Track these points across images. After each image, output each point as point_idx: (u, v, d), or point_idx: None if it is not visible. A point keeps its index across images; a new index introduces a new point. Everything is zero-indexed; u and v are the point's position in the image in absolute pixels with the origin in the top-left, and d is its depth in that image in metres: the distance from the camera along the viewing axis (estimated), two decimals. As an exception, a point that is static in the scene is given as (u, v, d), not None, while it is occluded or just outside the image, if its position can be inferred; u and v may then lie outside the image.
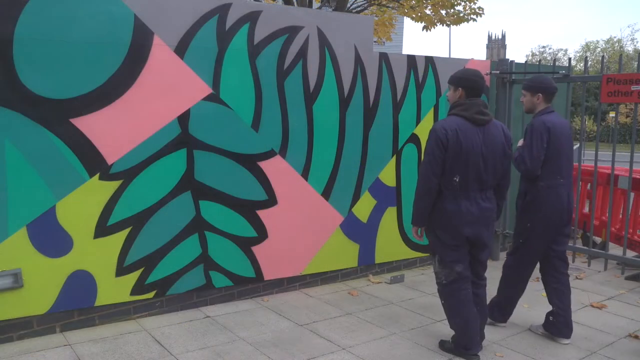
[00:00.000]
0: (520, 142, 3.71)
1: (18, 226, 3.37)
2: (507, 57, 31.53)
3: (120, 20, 3.57)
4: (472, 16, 10.65)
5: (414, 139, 5.14)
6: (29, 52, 3.31)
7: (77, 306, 3.65)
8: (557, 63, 5.76)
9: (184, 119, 3.87)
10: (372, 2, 10.73)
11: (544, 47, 72.15)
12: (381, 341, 3.63)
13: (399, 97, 4.98)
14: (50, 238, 3.49)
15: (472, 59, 5.54)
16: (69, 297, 3.60)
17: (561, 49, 70.99)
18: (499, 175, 3.35)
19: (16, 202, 3.35)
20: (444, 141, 3.15)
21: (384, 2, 10.70)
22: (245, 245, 4.26)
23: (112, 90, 3.59)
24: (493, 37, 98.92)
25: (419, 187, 3.29)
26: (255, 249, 4.31)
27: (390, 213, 5.08)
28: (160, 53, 3.74)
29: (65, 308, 3.61)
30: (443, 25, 10.96)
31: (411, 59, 5.06)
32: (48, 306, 3.54)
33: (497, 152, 3.28)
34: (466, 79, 3.28)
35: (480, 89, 3.27)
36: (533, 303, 4.40)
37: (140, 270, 3.83)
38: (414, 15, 10.58)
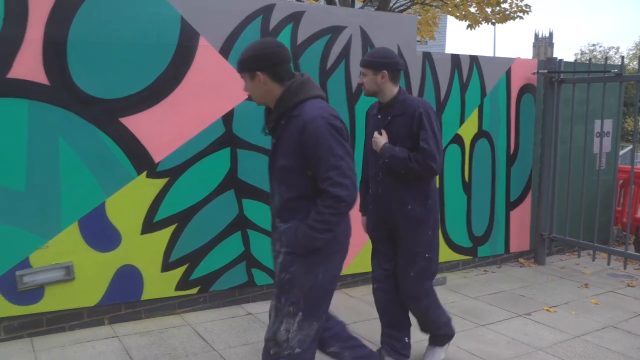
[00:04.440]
0: (380, 136, 2.99)
1: (70, 221, 3.51)
2: (554, 56, 30.57)
3: (168, 22, 3.66)
4: (518, 14, 10.39)
5: (457, 139, 5.06)
6: (81, 54, 3.44)
7: (124, 299, 3.76)
8: (608, 61, 5.55)
9: (228, 118, 3.94)
10: (415, 1, 10.62)
11: (593, 45, 69.95)
12: (422, 344, 3.58)
13: (442, 97, 4.92)
14: (100, 233, 3.61)
15: (519, 57, 5.41)
16: (117, 290, 3.72)
17: (612, 47, 68.56)
18: None
19: (69, 197, 3.49)
20: (344, 131, 2.36)
21: (427, 1, 10.58)
22: (287, 244, 4.29)
23: (159, 90, 3.69)
24: (540, 36, 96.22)
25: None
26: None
27: (433, 214, 5.01)
28: (206, 54, 3.81)
29: (114, 301, 3.73)
30: (488, 24, 10.74)
31: (455, 58, 4.98)
32: (97, 299, 3.67)
33: None
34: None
35: None
36: (581, 311, 4.26)
37: (185, 267, 3.92)
38: (458, 14, 10.40)
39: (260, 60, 2.20)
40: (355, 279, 4.72)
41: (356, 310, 4.16)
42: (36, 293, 3.47)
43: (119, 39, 3.53)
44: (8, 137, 3.30)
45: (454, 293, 4.65)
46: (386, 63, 2.91)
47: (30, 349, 3.35)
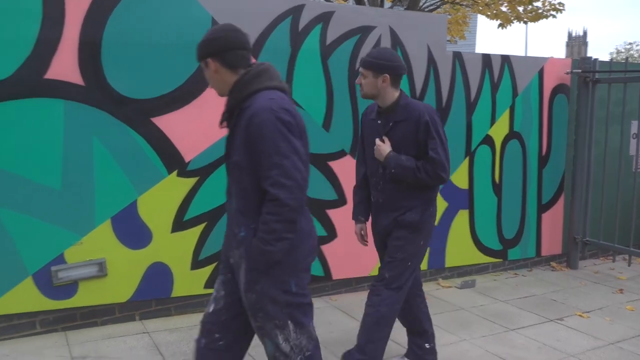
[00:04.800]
0: (383, 144, 2.85)
1: (103, 218, 3.59)
2: (588, 55, 29.85)
3: (199, 23, 3.71)
4: (551, 12, 10.19)
5: (488, 140, 4.99)
6: (115, 54, 3.51)
7: (155, 296, 3.82)
8: (646, 60, 5.39)
9: (257, 118, 3.96)
10: (445, 0, 10.52)
11: (630, 44, 67.91)
12: (450, 347, 3.55)
13: (472, 97, 4.85)
14: (132, 230, 3.68)
15: (552, 57, 5.30)
16: (147, 287, 3.78)
17: (650, 46, 66.48)
18: None
19: (102, 195, 3.56)
20: (295, 127, 2.08)
21: (457, 0, 10.46)
22: (314, 243, 4.30)
23: (190, 90, 3.74)
24: (573, 34, 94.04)
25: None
26: (324, 248, 4.34)
27: (462, 216, 4.95)
28: (236, 54, 3.84)
29: (144, 297, 3.80)
30: (520, 23, 10.56)
31: (486, 58, 4.91)
32: (129, 295, 3.74)
33: None
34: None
35: None
36: (616, 317, 4.15)
37: (214, 265, 3.96)
38: (489, 13, 10.26)
39: (210, 45, 2.05)
40: (383, 280, 4.69)
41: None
42: (70, 288, 3.55)
43: (152, 40, 3.59)
44: (45, 136, 3.39)
45: (483, 296, 4.59)
46: (389, 66, 2.75)
47: (65, 343, 3.43)
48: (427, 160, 2.75)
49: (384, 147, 2.83)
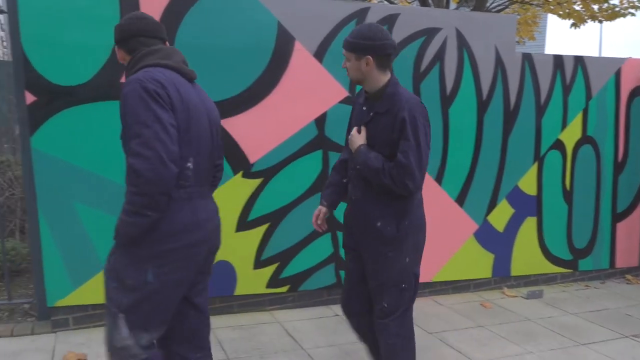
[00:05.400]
0: (358, 135, 2.49)
1: (172, 217, 3.72)
2: (670, 55, 28.03)
3: (265, 28, 3.78)
4: (629, 10, 9.63)
5: (558, 145, 4.78)
6: (185, 57, 3.62)
7: (218, 293, 3.93)
8: None
9: (320, 121, 4.00)
10: (515, 0, 10.18)
11: None
12: (515, 359, 3.42)
13: (542, 100, 4.67)
14: (198, 229, 3.79)
15: (630, 58, 5.01)
16: (212, 284, 3.85)
17: None
18: (218, 163, 2.30)
19: (171, 195, 3.69)
20: (165, 98, 1.89)
21: (527, 0, 10.10)
22: (375, 247, 4.27)
23: (256, 93, 3.82)
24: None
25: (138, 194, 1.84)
26: (385, 252, 4.30)
27: (530, 223, 4.77)
28: (301, 57, 3.89)
29: (209, 294, 3.89)
30: (594, 22, 10.05)
31: (558, 59, 4.71)
32: (194, 292, 3.85)
33: (217, 124, 2.24)
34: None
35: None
36: (699, 334, 3.86)
37: (276, 265, 4.02)
38: (561, 12, 9.83)
39: (115, 33, 2.14)
40: (446, 287, 4.61)
41: (445, 319, 4.05)
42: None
43: (220, 44, 3.69)
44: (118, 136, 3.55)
45: (551, 307, 4.40)
46: (370, 46, 2.34)
47: (134, 335, 3.58)
48: (395, 163, 2.33)
49: (357, 138, 2.48)
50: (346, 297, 2.73)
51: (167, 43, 2.21)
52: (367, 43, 2.35)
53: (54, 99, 3.41)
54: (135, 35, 2.07)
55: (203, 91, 2.23)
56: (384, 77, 2.44)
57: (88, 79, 3.45)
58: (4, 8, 3.68)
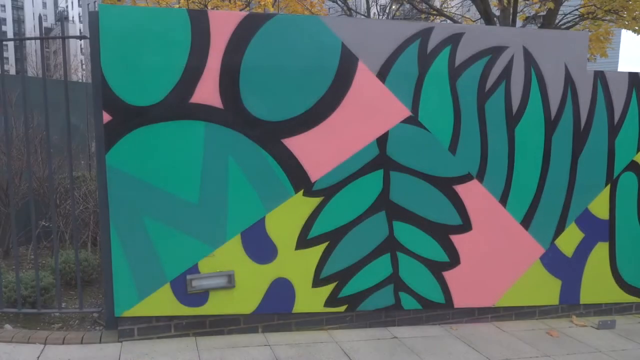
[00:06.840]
0: None
1: (234, 233, 3.81)
2: None
3: (329, 49, 3.83)
4: None
5: (633, 166, 4.53)
6: (251, 79, 3.74)
7: (277, 310, 3.96)
8: None
9: (382, 140, 3.99)
10: (586, 16, 9.81)
11: None
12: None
13: (616, 119, 4.45)
14: (259, 246, 3.86)
15: None
16: (271, 301, 3.93)
17: None
18: None
19: (234, 211, 3.79)
20: None
21: (599, 15, 9.71)
22: (437, 269, 4.19)
23: (319, 113, 3.87)
24: None
25: None
26: (447, 275, 4.20)
27: (601, 249, 4.53)
28: (363, 77, 3.91)
29: (267, 311, 3.95)
30: (673, 37, 9.50)
31: (634, 77, 4.49)
32: (253, 307, 3.91)
33: None
34: None
35: None
36: None
37: (334, 284, 4.01)
38: (637, 27, 9.38)
39: None
40: (509, 312, 4.43)
41: (508, 346, 3.89)
42: (202, 297, 3.81)
43: (284, 65, 3.78)
44: (187, 154, 3.70)
45: (625, 339, 4.13)
46: None
47: (194, 347, 3.67)
48: None
49: None
50: None
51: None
52: None
53: (128, 118, 3.60)
54: None
55: None
56: None
57: (160, 99, 3.62)
58: (86, 34, 3.93)
